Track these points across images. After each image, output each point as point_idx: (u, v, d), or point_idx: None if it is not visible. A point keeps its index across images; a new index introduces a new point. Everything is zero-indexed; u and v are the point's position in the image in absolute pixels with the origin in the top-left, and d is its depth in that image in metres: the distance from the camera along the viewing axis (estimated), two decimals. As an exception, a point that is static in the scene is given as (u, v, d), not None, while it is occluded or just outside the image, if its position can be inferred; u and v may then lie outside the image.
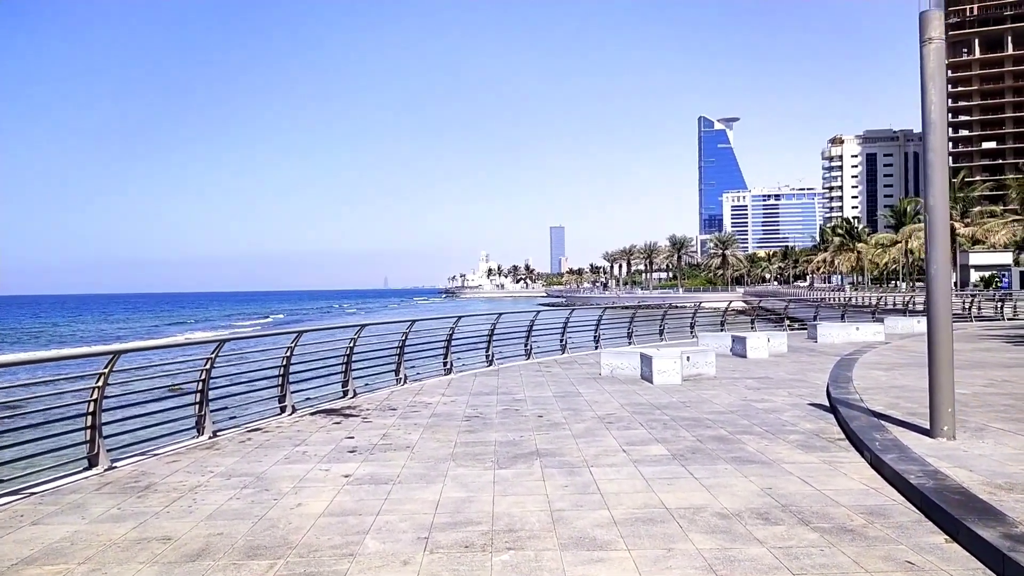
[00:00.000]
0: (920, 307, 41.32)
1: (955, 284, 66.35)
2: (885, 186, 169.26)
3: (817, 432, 8.83)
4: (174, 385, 9.69)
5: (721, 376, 14.31)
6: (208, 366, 9.37)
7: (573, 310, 21.89)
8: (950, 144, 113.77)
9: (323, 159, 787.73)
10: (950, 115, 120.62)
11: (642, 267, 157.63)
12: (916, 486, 5.99)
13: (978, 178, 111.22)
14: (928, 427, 7.84)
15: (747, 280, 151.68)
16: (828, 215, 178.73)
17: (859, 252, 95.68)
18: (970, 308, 32.84)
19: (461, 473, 7.30)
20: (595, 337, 21.36)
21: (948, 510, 5.36)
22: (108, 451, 7.88)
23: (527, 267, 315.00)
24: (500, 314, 18.11)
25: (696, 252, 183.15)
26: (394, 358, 14.35)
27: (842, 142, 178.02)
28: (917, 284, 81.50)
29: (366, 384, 13.65)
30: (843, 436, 8.56)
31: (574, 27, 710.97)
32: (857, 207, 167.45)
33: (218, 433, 9.47)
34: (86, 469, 7.65)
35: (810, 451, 7.86)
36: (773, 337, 19.11)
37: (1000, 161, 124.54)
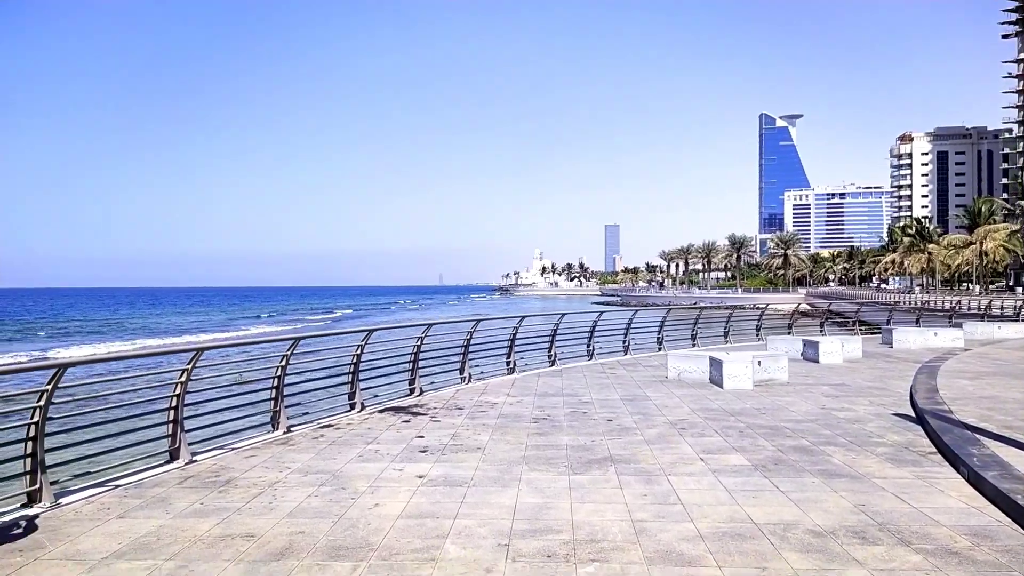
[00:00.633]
0: (998, 311, 39.47)
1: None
2: (957, 185, 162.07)
3: (906, 445, 8.41)
4: (241, 379, 9.83)
5: (794, 382, 13.84)
6: (284, 363, 9.49)
7: (637, 311, 21.54)
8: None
9: (382, 159, 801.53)
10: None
11: (699, 266, 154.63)
12: (1024, 508, 5.61)
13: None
14: (1030, 443, 7.38)
15: (809, 281, 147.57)
16: (896, 215, 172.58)
17: (930, 253, 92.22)
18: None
19: (535, 477, 7.19)
20: (658, 339, 20.98)
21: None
22: (188, 445, 8.03)
23: (581, 265, 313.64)
24: (563, 314, 17.93)
25: (755, 252, 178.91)
26: (457, 356, 14.34)
27: (912, 139, 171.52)
28: (992, 287, 77.95)
29: (431, 382, 13.68)
30: (934, 450, 8.14)
31: (634, 25, 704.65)
32: (927, 207, 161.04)
33: (292, 429, 9.59)
34: (167, 462, 7.82)
35: (901, 465, 7.48)
36: (847, 342, 18.44)
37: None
